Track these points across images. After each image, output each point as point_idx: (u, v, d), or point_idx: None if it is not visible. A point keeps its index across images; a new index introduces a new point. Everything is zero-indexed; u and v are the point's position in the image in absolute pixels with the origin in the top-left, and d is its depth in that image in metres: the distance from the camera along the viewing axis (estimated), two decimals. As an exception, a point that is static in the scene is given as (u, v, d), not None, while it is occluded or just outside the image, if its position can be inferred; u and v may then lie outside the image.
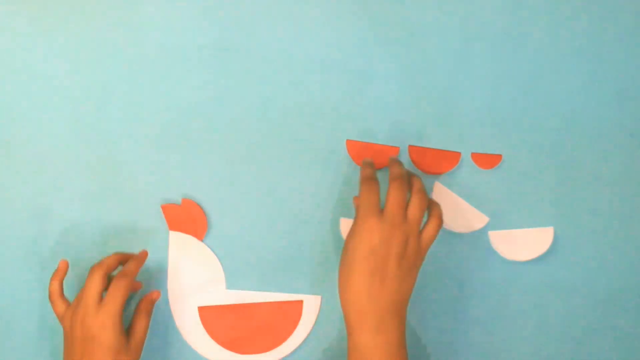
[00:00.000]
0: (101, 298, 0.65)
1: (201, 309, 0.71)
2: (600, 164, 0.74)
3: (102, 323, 0.63)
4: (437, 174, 0.73)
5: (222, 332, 0.71)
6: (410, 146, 0.73)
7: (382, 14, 0.72)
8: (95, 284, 0.65)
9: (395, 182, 0.63)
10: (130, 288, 0.65)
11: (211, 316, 0.71)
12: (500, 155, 0.73)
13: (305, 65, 0.73)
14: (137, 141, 0.73)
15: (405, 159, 0.73)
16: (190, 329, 0.72)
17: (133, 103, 0.72)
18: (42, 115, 0.72)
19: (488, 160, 0.73)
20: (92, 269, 0.66)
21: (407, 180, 0.65)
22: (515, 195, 0.74)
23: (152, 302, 0.69)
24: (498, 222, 0.74)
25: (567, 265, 0.75)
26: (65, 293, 0.71)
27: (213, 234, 0.73)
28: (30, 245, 0.72)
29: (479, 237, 0.74)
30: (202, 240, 0.72)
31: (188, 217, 0.71)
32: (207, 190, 0.73)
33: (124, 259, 0.68)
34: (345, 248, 0.63)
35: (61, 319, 0.66)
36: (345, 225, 0.74)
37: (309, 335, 0.73)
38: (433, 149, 0.73)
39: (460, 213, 0.74)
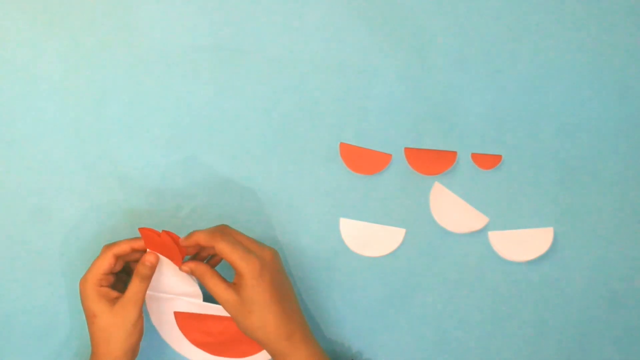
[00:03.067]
0: (104, 276, 0.67)
1: (177, 314, 0.71)
2: (600, 164, 0.74)
3: (80, 289, 0.67)
4: (434, 175, 0.73)
5: (197, 335, 0.71)
6: (405, 148, 0.73)
7: (381, 14, 0.72)
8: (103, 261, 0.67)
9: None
10: (115, 254, 0.67)
11: (187, 320, 0.71)
12: (500, 156, 0.73)
13: (305, 65, 0.73)
14: (137, 141, 0.73)
15: (400, 163, 0.73)
16: (166, 329, 0.71)
17: (133, 103, 0.72)
18: (42, 115, 0.72)
19: (488, 160, 0.73)
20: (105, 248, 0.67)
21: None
22: (515, 195, 0.74)
23: (145, 265, 0.67)
24: (498, 222, 0.74)
25: (567, 265, 0.75)
26: (62, 292, 0.71)
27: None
28: (30, 245, 0.72)
29: (479, 237, 0.74)
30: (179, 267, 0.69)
31: (166, 247, 0.68)
32: (207, 190, 0.73)
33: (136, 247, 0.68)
34: None
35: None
36: (345, 225, 0.74)
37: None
38: (428, 149, 0.73)
39: (460, 213, 0.74)
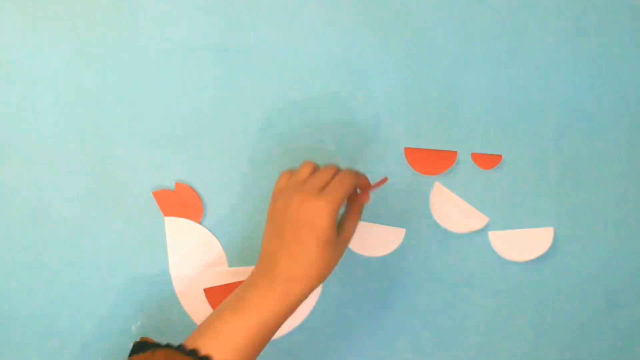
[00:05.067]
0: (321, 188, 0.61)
1: (207, 291, 0.72)
2: (600, 164, 0.74)
3: (321, 210, 0.58)
4: (434, 175, 0.73)
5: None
6: (405, 148, 0.73)
7: (381, 14, 0.72)
8: (316, 171, 0.63)
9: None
10: (355, 185, 0.63)
11: (218, 296, 0.72)
12: (500, 156, 0.73)
13: (304, 65, 0.73)
14: (137, 141, 0.73)
15: (400, 163, 0.73)
16: (199, 312, 0.72)
17: (133, 103, 0.72)
18: (41, 116, 0.72)
19: (488, 160, 0.73)
20: (308, 161, 0.64)
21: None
22: (515, 195, 0.74)
23: (361, 204, 0.65)
24: (498, 222, 0.74)
25: (567, 265, 0.75)
26: (62, 292, 0.71)
27: (209, 216, 0.73)
28: (30, 245, 0.72)
29: (479, 237, 0.74)
30: (199, 223, 0.72)
31: (182, 201, 0.72)
32: (209, 191, 0.73)
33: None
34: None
35: (277, 194, 0.63)
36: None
37: (318, 300, 0.74)
38: (428, 149, 0.73)
39: (460, 213, 0.74)
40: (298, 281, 0.59)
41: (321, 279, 0.60)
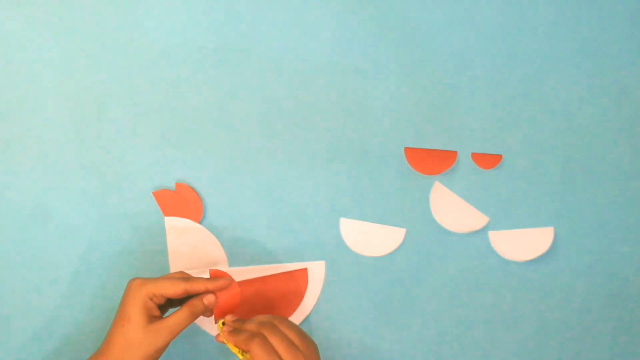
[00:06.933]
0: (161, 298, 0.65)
1: None
2: (600, 164, 0.74)
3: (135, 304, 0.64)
4: (434, 175, 0.73)
5: (231, 311, 0.71)
6: (405, 148, 0.73)
7: (382, 15, 0.72)
8: (174, 287, 0.64)
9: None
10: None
11: (221, 299, 0.72)
12: (500, 155, 0.73)
13: (305, 65, 0.73)
14: (137, 141, 0.73)
15: (400, 163, 0.73)
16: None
17: (133, 103, 0.72)
18: (41, 115, 0.72)
19: (488, 160, 0.73)
20: (191, 280, 0.65)
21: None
22: (515, 195, 0.74)
23: (203, 303, 0.66)
24: (498, 222, 0.74)
25: (567, 265, 0.75)
26: (62, 292, 0.71)
27: (209, 216, 0.73)
28: (30, 245, 0.72)
29: (479, 237, 0.74)
30: (199, 223, 0.72)
31: (182, 201, 0.72)
32: (209, 191, 0.73)
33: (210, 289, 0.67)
34: None
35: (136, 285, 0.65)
36: (345, 225, 0.74)
37: (318, 300, 0.74)
38: (428, 149, 0.73)
39: (460, 213, 0.74)
40: (105, 357, 0.64)
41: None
